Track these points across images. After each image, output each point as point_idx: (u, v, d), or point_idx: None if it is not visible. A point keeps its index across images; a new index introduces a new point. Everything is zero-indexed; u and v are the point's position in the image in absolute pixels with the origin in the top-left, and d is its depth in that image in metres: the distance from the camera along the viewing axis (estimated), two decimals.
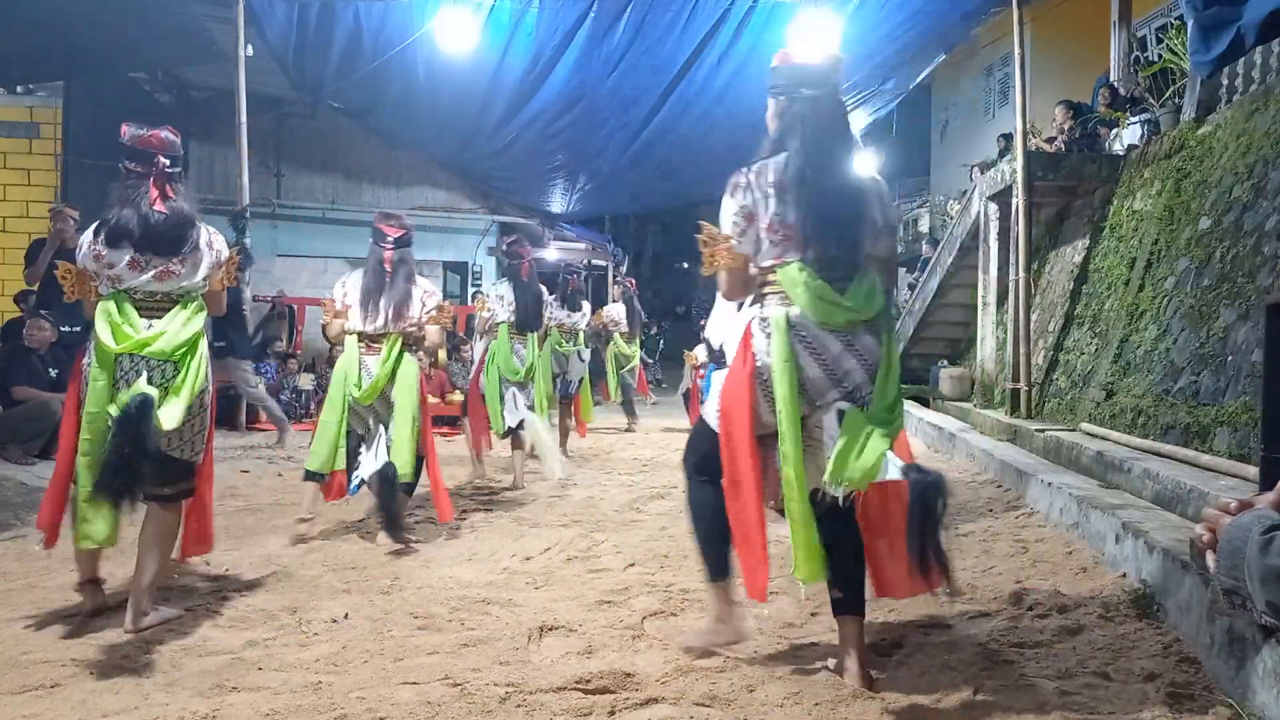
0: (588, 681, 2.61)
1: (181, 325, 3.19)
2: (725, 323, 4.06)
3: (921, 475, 2.41)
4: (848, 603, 2.66)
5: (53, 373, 6.83)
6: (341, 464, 4.57)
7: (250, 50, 8.70)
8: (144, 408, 2.95)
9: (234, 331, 8.20)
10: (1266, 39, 4.77)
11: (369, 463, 4.50)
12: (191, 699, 2.54)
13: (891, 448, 2.50)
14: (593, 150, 11.68)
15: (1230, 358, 4.97)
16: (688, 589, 3.65)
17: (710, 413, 2.81)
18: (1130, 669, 2.62)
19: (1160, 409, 5.42)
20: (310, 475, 4.61)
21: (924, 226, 18.34)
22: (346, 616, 3.31)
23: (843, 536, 2.61)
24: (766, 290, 2.69)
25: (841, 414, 2.56)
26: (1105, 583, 3.45)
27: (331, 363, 11.67)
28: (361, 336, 4.63)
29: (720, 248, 2.70)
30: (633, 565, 4.11)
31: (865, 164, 2.79)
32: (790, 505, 2.54)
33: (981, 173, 10.12)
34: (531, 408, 6.31)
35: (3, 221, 9.85)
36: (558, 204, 14.03)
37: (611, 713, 2.43)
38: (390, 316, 4.61)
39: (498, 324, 6.32)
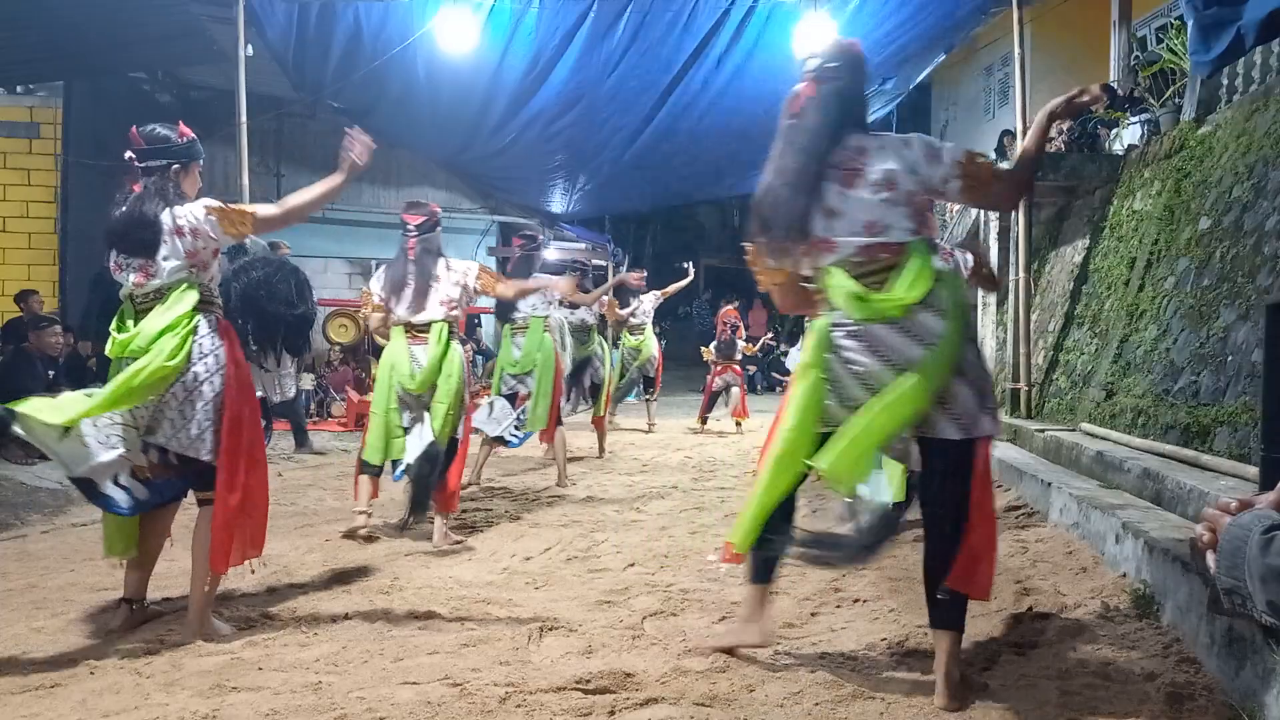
0: (588, 681, 2.61)
1: (157, 316, 3.09)
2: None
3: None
4: (938, 616, 2.57)
5: (49, 374, 6.84)
6: (397, 454, 4.51)
7: (250, 50, 8.69)
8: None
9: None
10: (1266, 39, 4.78)
11: (413, 447, 4.45)
12: (191, 699, 2.54)
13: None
14: (593, 150, 11.67)
15: (1230, 358, 4.96)
16: (688, 589, 3.66)
17: None
18: (1130, 669, 2.62)
19: (1160, 409, 5.41)
20: (366, 467, 4.59)
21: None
22: (346, 616, 3.31)
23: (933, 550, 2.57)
24: (821, 297, 2.71)
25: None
26: (1105, 583, 3.45)
27: (331, 364, 11.72)
28: (408, 327, 4.58)
29: (759, 267, 2.79)
30: (633, 565, 4.12)
31: (887, 138, 2.65)
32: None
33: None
34: (524, 397, 6.27)
35: (3, 221, 9.84)
36: (558, 204, 14.01)
37: (611, 713, 2.43)
38: (425, 304, 4.56)
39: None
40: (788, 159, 2.68)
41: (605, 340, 8.35)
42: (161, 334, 3.05)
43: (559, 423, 6.49)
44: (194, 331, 3.09)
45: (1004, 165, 2.67)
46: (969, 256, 4.63)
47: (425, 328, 4.56)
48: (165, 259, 3.13)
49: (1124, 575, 3.45)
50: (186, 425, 3.07)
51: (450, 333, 4.59)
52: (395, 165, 13.67)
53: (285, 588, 3.74)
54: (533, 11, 8.90)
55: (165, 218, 3.14)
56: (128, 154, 3.18)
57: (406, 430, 4.55)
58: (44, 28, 7.69)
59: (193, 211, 3.16)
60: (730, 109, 10.33)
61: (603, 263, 17.90)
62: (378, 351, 11.42)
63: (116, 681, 2.69)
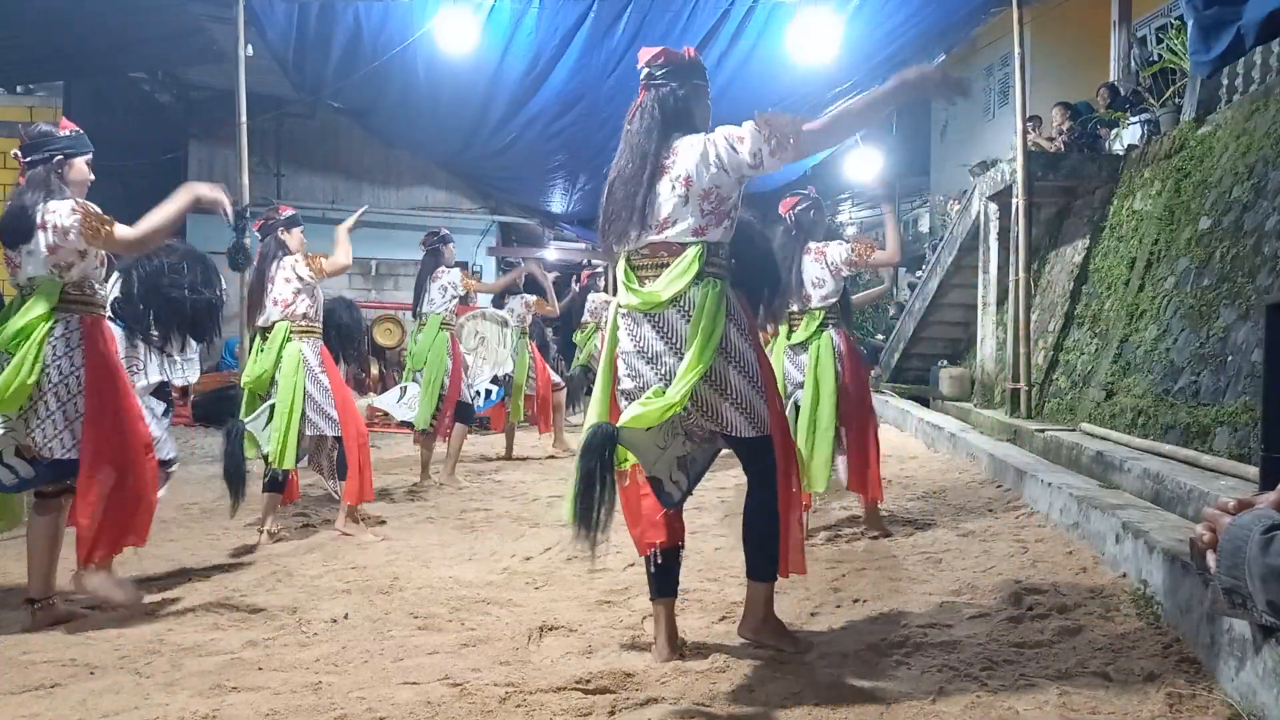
0: (588, 681, 2.61)
1: (17, 315, 3.17)
2: None
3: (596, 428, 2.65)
4: (751, 567, 2.88)
5: None
6: (290, 464, 4.61)
7: (250, 50, 8.68)
8: None
9: None
10: (1266, 39, 4.78)
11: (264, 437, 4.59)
12: (191, 699, 2.54)
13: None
14: (593, 150, 11.65)
15: (1230, 358, 4.97)
16: (687, 589, 3.65)
17: None
18: (1130, 669, 2.62)
19: (1160, 409, 5.41)
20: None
21: (924, 226, 18.34)
22: (346, 616, 3.31)
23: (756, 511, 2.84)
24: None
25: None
26: (1105, 583, 3.45)
27: None
28: (259, 331, 4.75)
29: (603, 252, 2.98)
30: (633, 565, 4.11)
31: (694, 140, 2.84)
32: None
33: (983, 171, 10.12)
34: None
35: None
36: (558, 204, 14.00)
37: (611, 713, 2.43)
38: (265, 306, 4.72)
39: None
40: (622, 159, 2.93)
41: (512, 339, 7.88)
42: (16, 336, 3.14)
43: (464, 422, 6.59)
44: (49, 334, 3.18)
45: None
46: (845, 247, 4.63)
47: (270, 329, 4.70)
48: (29, 252, 3.21)
49: (1124, 575, 3.45)
50: (44, 423, 3.19)
51: (295, 331, 4.66)
52: (395, 165, 13.68)
53: (285, 588, 3.74)
54: (533, 12, 8.89)
55: (38, 211, 3.21)
56: (13, 152, 3.32)
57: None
58: (44, 28, 7.69)
59: (60, 208, 3.22)
60: (731, 108, 10.26)
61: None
62: (379, 351, 11.43)
63: (116, 681, 2.69)
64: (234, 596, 3.59)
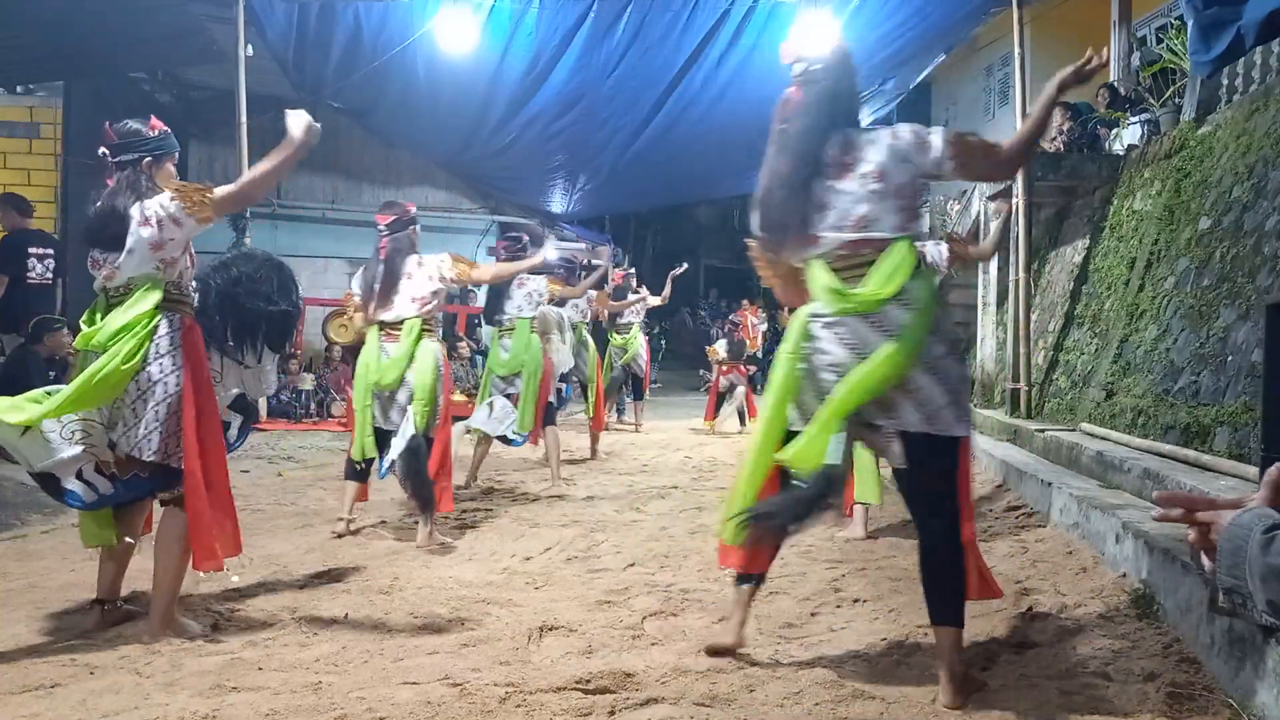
0: (588, 681, 2.61)
1: (120, 313, 3.09)
2: None
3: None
4: (937, 613, 2.63)
5: (50, 375, 6.87)
6: (371, 452, 4.66)
7: (250, 50, 8.69)
8: None
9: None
10: (1266, 39, 4.78)
11: (397, 445, 4.54)
12: (191, 699, 2.54)
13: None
14: (593, 150, 11.66)
15: (1230, 358, 4.96)
16: (688, 589, 3.65)
17: None
18: (1130, 669, 2.62)
19: (1160, 409, 5.41)
20: (350, 471, 4.80)
21: (924, 226, 18.35)
22: (346, 616, 3.31)
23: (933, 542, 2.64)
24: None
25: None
26: (1105, 583, 3.45)
27: (329, 362, 11.73)
28: (381, 325, 4.68)
29: (760, 261, 2.89)
30: (633, 565, 4.12)
31: (879, 132, 2.71)
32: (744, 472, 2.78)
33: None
34: (516, 398, 6.21)
35: None
36: (558, 204, 14.00)
37: (611, 713, 2.43)
38: (394, 302, 4.65)
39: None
40: (780, 162, 2.78)
41: (590, 338, 8.33)
42: (120, 332, 3.05)
43: (552, 422, 6.54)
44: (153, 332, 3.09)
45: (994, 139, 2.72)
46: (943, 247, 4.62)
47: (398, 325, 4.63)
48: (130, 251, 3.10)
49: (1124, 575, 3.45)
50: (136, 424, 3.07)
51: (424, 329, 4.64)
52: (395, 165, 13.67)
53: (285, 588, 3.74)
54: (533, 11, 8.89)
55: (134, 211, 3.12)
56: (101, 150, 3.20)
57: (387, 430, 4.65)
58: (44, 28, 7.68)
59: (159, 200, 3.13)
60: (730, 109, 10.31)
61: (601, 262, 17.91)
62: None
63: (116, 681, 2.69)
64: (234, 596, 3.60)
